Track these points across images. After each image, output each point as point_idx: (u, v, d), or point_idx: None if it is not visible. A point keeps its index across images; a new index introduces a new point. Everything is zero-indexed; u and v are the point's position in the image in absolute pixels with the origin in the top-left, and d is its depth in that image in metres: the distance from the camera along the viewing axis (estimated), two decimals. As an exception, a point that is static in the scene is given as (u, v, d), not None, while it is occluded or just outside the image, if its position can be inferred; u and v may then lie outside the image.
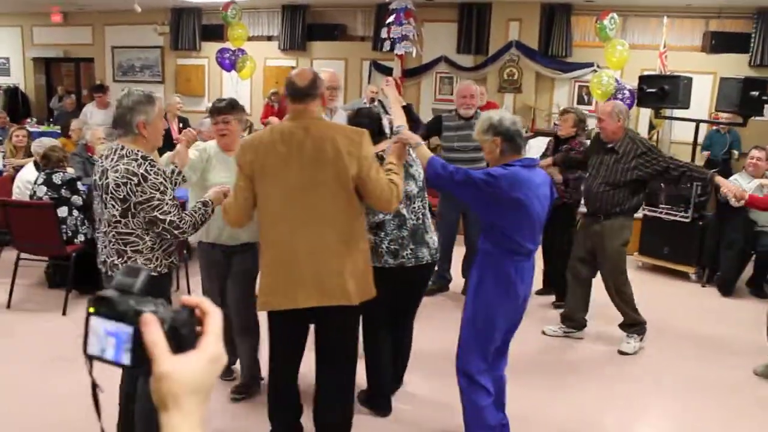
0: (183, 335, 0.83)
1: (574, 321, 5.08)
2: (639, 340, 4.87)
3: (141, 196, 2.89)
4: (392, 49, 8.75)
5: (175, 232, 2.99)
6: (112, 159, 2.94)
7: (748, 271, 6.50)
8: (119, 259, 3.01)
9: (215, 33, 12.16)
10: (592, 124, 6.62)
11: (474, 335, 3.19)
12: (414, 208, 3.61)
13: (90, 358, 0.85)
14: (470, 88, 5.61)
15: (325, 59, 11.90)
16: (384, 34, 9.21)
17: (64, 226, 5.30)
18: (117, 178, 2.87)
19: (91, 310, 0.84)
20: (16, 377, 4.23)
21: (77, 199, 5.41)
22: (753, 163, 6.38)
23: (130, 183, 2.87)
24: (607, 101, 7.64)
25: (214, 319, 0.87)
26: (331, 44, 12.07)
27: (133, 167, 2.88)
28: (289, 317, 2.99)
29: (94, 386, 0.90)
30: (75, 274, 5.36)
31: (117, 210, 2.93)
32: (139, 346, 0.81)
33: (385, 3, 9.67)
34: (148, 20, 12.88)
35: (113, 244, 3.01)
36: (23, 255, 5.51)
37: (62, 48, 14.61)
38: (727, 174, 7.16)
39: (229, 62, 10.13)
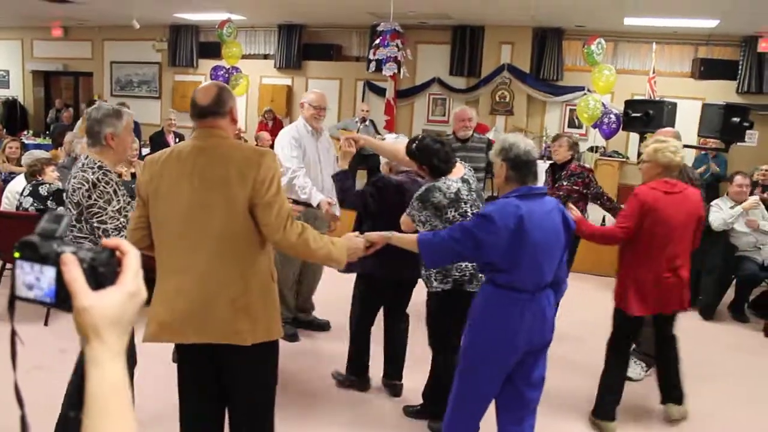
0: (101, 273, 0.89)
1: (650, 356, 4.80)
2: (645, 369, 4.82)
3: (87, 201, 3.02)
4: (377, 69, 8.88)
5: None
6: (76, 167, 3.13)
7: (730, 295, 6.54)
8: None
9: (212, 50, 12.29)
10: (582, 147, 6.68)
11: (461, 383, 2.99)
12: None
13: (16, 300, 0.91)
14: (467, 112, 5.89)
15: (320, 78, 12.04)
16: (371, 55, 9.34)
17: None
18: (74, 183, 3.05)
19: (17, 255, 0.89)
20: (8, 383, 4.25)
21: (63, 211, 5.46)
22: (736, 190, 6.45)
23: (82, 188, 3.02)
24: (593, 125, 7.77)
25: (132, 257, 0.93)
26: (326, 64, 12.21)
27: (88, 174, 3.02)
28: (186, 352, 2.75)
29: (14, 336, 0.95)
30: (58, 284, 5.40)
31: (73, 215, 3.06)
32: (61, 286, 0.87)
33: (376, 25, 9.80)
34: (146, 36, 13.08)
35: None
36: (8, 265, 5.56)
37: (62, 62, 14.77)
38: (713, 198, 7.23)
39: (223, 79, 10.24)
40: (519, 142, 2.96)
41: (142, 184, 2.68)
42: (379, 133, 10.20)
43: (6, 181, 6.72)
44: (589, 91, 9.82)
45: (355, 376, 4.32)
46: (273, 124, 10.92)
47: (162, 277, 2.67)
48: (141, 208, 2.70)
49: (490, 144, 5.94)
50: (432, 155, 3.49)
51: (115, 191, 3.07)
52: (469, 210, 3.43)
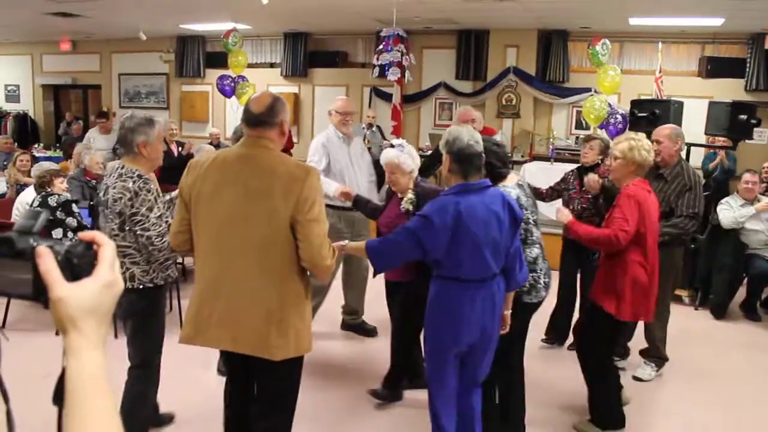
0: (77, 264, 0.90)
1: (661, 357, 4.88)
2: (656, 369, 4.80)
3: (130, 209, 3.10)
4: (380, 75, 8.90)
5: (150, 248, 3.13)
6: (113, 176, 3.20)
7: (741, 293, 6.50)
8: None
9: (219, 60, 12.33)
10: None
11: (429, 364, 3.20)
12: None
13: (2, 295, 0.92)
14: (470, 113, 5.52)
15: (327, 86, 12.09)
16: (375, 60, 9.36)
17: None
18: (114, 193, 3.13)
19: None
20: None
21: (72, 221, 5.50)
22: (746, 187, 6.42)
23: (124, 198, 3.10)
24: (599, 125, 7.75)
25: (107, 249, 0.94)
26: (333, 71, 12.26)
27: (129, 184, 3.11)
28: (228, 355, 2.87)
29: None
30: (69, 295, 5.45)
31: (115, 224, 3.16)
32: (37, 279, 0.88)
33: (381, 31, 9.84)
34: (154, 48, 13.18)
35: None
36: (20, 276, 5.60)
37: (71, 75, 14.90)
38: (724, 196, 7.20)
39: (230, 89, 10.29)
40: (463, 135, 2.98)
41: (185, 187, 2.73)
42: (386, 139, 10.22)
43: (19, 193, 6.79)
44: (595, 92, 9.79)
45: (391, 390, 4.25)
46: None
47: (199, 281, 2.75)
48: (183, 211, 2.76)
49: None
50: (489, 155, 3.25)
51: (155, 198, 3.17)
52: (531, 216, 3.37)
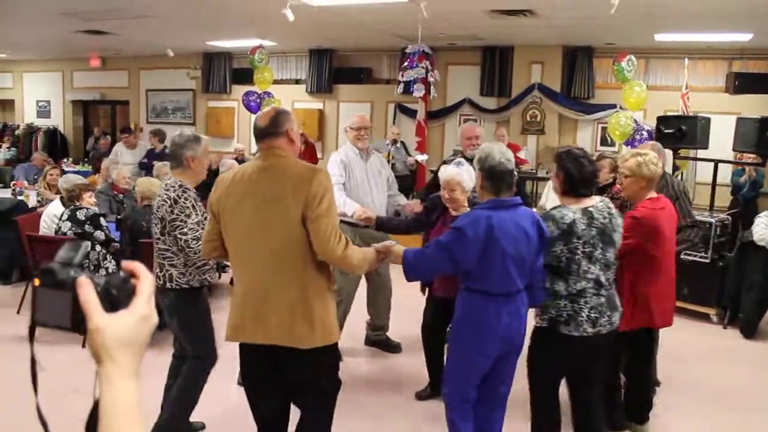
0: (115, 296, 0.93)
1: None
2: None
3: (170, 216, 3.45)
4: (405, 91, 8.91)
5: (187, 250, 3.44)
6: (162, 188, 3.64)
7: (771, 312, 6.38)
8: (160, 272, 3.55)
9: (245, 76, 12.48)
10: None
11: (451, 377, 3.23)
12: (609, 275, 3.26)
13: (35, 325, 0.95)
14: (474, 130, 5.50)
15: (351, 102, 12.16)
16: (400, 77, 9.39)
17: (87, 261, 5.46)
18: (158, 201, 3.54)
19: (37, 282, 0.94)
20: (33, 407, 4.33)
21: (100, 234, 5.58)
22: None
23: (165, 205, 3.47)
24: (625, 142, 7.70)
25: (146, 282, 0.97)
26: (357, 87, 12.33)
27: (170, 193, 3.49)
28: (251, 351, 3.01)
29: (33, 362, 0.99)
30: (96, 307, 5.52)
31: (158, 228, 3.53)
32: (76, 310, 0.91)
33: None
34: (181, 65, 13.37)
35: (157, 259, 3.57)
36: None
37: (99, 91, 15.15)
38: (753, 213, 7.09)
39: (255, 105, 10.38)
40: (494, 152, 3.07)
41: (213, 202, 2.99)
42: (410, 155, 10.24)
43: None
44: (621, 108, 9.74)
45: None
46: (305, 148, 11.01)
47: (235, 286, 3.04)
48: (213, 223, 3.02)
49: None
50: (574, 161, 3.16)
51: (193, 206, 3.51)
52: (580, 248, 3.09)
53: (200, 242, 3.29)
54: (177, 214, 3.44)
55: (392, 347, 5.43)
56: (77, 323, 0.92)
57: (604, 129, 10.56)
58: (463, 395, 3.18)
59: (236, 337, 2.98)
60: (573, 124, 11.02)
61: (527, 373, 3.41)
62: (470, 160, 5.44)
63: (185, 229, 3.44)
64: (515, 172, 3.11)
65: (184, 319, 3.62)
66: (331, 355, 3.03)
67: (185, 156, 3.57)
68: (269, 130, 2.89)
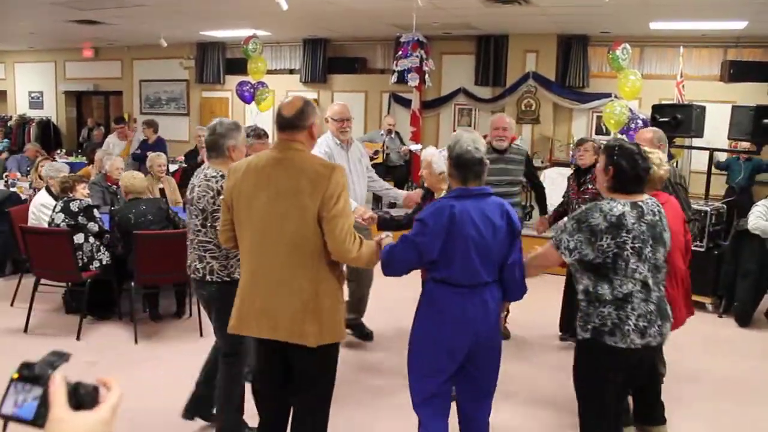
0: (82, 396, 1.01)
1: None
2: None
3: (212, 207, 3.37)
4: (399, 81, 8.86)
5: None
6: (199, 177, 3.50)
7: (766, 301, 6.39)
8: (200, 264, 3.46)
9: (239, 66, 12.40)
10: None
11: (413, 371, 3.09)
12: (659, 278, 2.99)
13: (4, 418, 1.00)
14: (504, 120, 5.44)
15: (346, 92, 12.11)
16: (394, 66, 9.35)
17: (80, 253, 5.43)
18: (199, 192, 3.43)
19: (15, 375, 1.00)
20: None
21: (93, 226, 5.54)
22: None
23: (207, 196, 3.39)
24: (620, 131, 7.68)
25: (115, 394, 1.04)
26: (352, 77, 12.28)
27: (212, 183, 3.40)
28: (263, 344, 2.99)
29: None
30: (90, 299, 5.49)
31: (199, 219, 3.44)
32: (43, 405, 0.98)
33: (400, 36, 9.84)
34: (174, 55, 13.29)
35: (196, 251, 3.49)
36: (43, 281, 5.65)
37: (93, 81, 15.06)
38: (748, 202, 7.09)
39: (249, 95, 10.33)
40: (463, 140, 2.96)
41: (226, 190, 2.97)
42: (405, 144, 10.22)
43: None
44: (616, 97, 9.73)
45: None
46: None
47: (243, 276, 2.98)
48: (226, 213, 3.00)
49: (529, 157, 5.79)
50: (627, 156, 2.94)
51: None
52: (629, 243, 2.82)
53: None
54: (218, 206, 3.31)
55: (365, 335, 5.40)
56: (38, 416, 0.97)
57: (599, 118, 10.51)
58: (426, 391, 3.04)
59: (241, 329, 2.96)
60: (568, 114, 11.00)
61: (574, 388, 3.13)
62: (499, 152, 5.44)
63: None
64: (485, 161, 2.98)
65: (225, 313, 3.39)
66: (335, 351, 3.00)
67: (226, 145, 3.47)
68: (294, 122, 2.84)
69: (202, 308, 4.13)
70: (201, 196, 3.41)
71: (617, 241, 2.80)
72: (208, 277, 3.44)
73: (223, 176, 3.32)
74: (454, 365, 2.99)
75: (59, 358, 1.05)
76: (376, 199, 8.84)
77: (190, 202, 3.52)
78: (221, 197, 3.24)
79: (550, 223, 5.66)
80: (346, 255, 2.79)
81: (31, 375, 1.00)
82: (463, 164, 2.94)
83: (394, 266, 3.00)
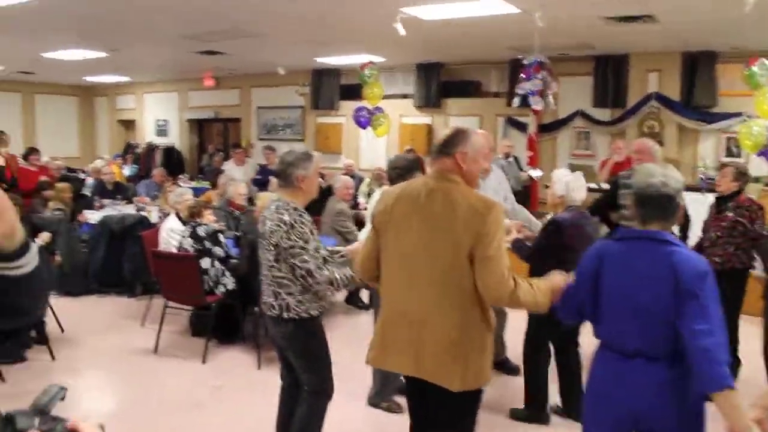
0: None
1: None
2: None
3: (287, 242, 3.20)
4: (521, 104, 8.64)
5: (310, 280, 3.22)
6: (270, 209, 3.33)
7: None
8: (275, 300, 3.32)
9: (353, 92, 12.60)
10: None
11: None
12: None
13: None
14: (645, 144, 5.30)
15: (460, 116, 12.01)
16: (517, 90, 9.12)
17: (207, 277, 5.58)
18: (272, 225, 3.26)
19: None
20: (155, 420, 4.44)
21: (219, 251, 5.69)
22: None
23: (281, 230, 3.21)
24: (758, 153, 7.19)
25: None
26: (466, 101, 12.16)
27: (284, 216, 3.23)
28: (408, 379, 2.90)
29: None
30: (215, 323, 5.62)
31: (272, 254, 3.28)
32: None
33: (518, 59, 9.65)
34: (290, 82, 13.65)
35: (270, 287, 3.35)
36: (170, 303, 5.85)
37: (213, 109, 15.72)
38: None
39: (365, 120, 10.42)
40: (655, 172, 2.48)
41: (376, 214, 2.87)
42: (522, 169, 9.99)
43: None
44: (748, 117, 9.13)
45: (535, 410, 4.40)
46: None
47: (385, 307, 2.87)
48: (373, 239, 2.88)
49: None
50: None
51: (311, 231, 3.28)
52: None
53: (323, 270, 3.21)
54: (295, 240, 3.20)
55: (512, 369, 5.20)
56: None
57: (728, 139, 9.95)
58: None
59: (379, 363, 2.88)
60: (694, 135, 10.42)
61: None
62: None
63: (305, 257, 3.21)
64: (678, 199, 2.47)
65: (305, 350, 3.40)
66: (478, 397, 2.83)
67: (295, 175, 3.33)
68: (439, 149, 2.78)
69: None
70: (273, 230, 3.24)
71: None
72: (284, 314, 3.29)
73: (295, 209, 3.26)
74: None
75: (49, 397, 1.07)
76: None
77: (262, 236, 3.38)
78: (299, 230, 3.20)
79: None
80: (498, 301, 2.66)
81: (13, 428, 1.02)
82: (648, 200, 2.46)
83: (565, 311, 2.77)
